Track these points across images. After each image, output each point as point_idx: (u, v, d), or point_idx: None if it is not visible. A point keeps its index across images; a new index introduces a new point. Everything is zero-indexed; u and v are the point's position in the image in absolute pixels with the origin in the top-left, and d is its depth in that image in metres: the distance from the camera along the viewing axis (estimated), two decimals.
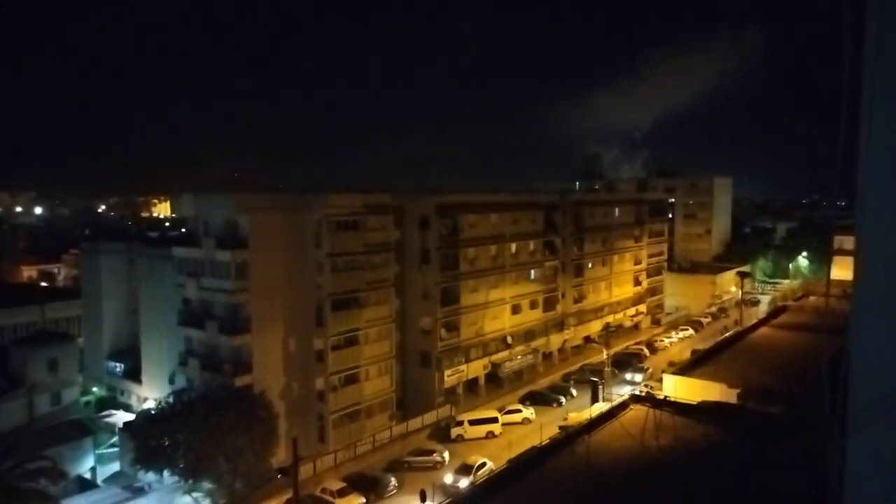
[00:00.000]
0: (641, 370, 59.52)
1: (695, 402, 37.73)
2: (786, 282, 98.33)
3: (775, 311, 69.70)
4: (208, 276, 43.80)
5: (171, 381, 47.91)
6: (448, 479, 39.68)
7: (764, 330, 60.04)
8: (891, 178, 2.21)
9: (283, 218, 44.37)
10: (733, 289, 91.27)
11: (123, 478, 41.37)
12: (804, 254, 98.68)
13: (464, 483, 38.15)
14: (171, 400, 39.39)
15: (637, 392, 45.24)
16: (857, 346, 2.30)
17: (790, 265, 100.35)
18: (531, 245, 63.13)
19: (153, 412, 39.49)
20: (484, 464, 40.37)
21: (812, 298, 76.18)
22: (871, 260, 2.28)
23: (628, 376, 57.95)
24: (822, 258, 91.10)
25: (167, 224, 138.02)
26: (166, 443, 36.63)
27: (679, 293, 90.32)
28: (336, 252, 45.02)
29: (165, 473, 37.64)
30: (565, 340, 68.07)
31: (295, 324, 44.48)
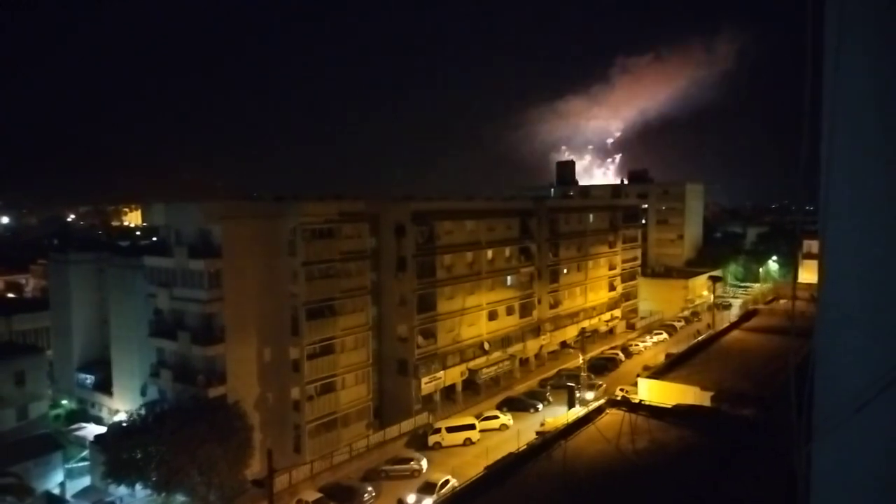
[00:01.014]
0: (593, 387, 56.39)
1: (669, 406, 38.08)
2: (756, 285, 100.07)
3: (746, 315, 70.77)
4: (180, 286, 43.17)
5: (143, 393, 47.07)
6: (411, 498, 38.68)
7: (736, 333, 60.90)
8: (851, 183, 2.25)
9: (257, 226, 43.96)
10: (705, 293, 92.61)
11: (94, 493, 40.48)
12: (774, 258, 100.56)
13: (427, 502, 37.15)
14: (143, 412, 38.70)
15: (605, 400, 45.51)
16: (822, 350, 2.32)
17: (760, 269, 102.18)
18: (507, 251, 63.37)
19: (125, 425, 38.74)
20: (447, 481, 39.29)
21: (782, 302, 77.54)
22: (834, 264, 2.31)
23: (579, 394, 54.23)
24: (791, 262, 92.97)
25: (138, 233, 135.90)
26: (138, 456, 35.95)
27: (653, 298, 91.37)
28: (311, 260, 44.71)
29: (138, 487, 36.91)
30: (542, 346, 68.36)
31: (270, 333, 44.02)
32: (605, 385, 58.03)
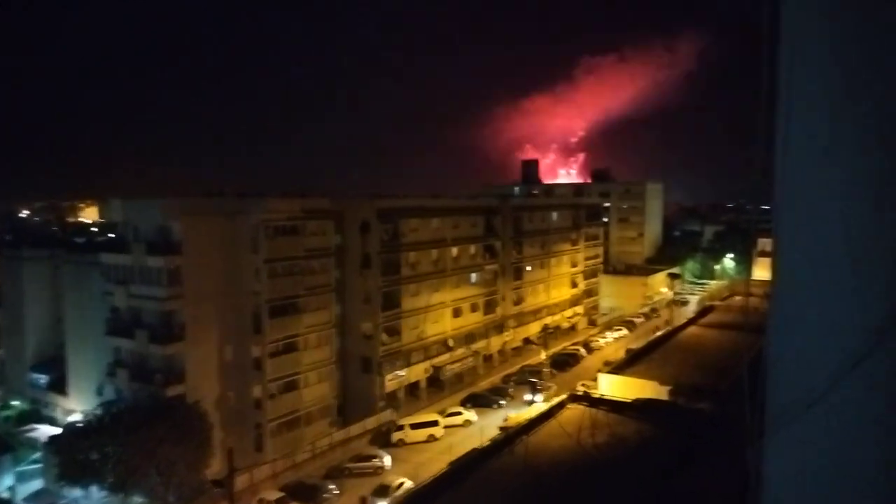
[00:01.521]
0: (540, 390, 54.47)
1: (629, 400, 38.78)
2: (713, 282, 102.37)
3: (703, 311, 72.40)
4: (138, 284, 42.19)
5: (100, 393, 45.90)
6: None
7: (693, 329, 62.30)
8: (803, 183, 2.31)
9: (219, 223, 43.20)
10: (664, 290, 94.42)
11: (46, 495, 39.30)
12: (729, 255, 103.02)
13: None
14: (99, 412, 37.76)
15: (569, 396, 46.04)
16: (774, 347, 2.38)
17: (717, 267, 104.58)
18: (472, 249, 63.57)
19: (80, 425, 37.78)
20: (402, 483, 38.54)
21: (737, 298, 79.59)
22: (787, 262, 2.37)
23: (528, 397, 53.76)
24: (747, 259, 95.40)
25: (95, 230, 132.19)
26: (94, 457, 35.06)
27: (614, 294, 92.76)
28: (274, 257, 44.15)
29: (93, 489, 35.99)
30: (505, 342, 68.82)
31: (231, 331, 43.34)
32: (555, 387, 55.83)
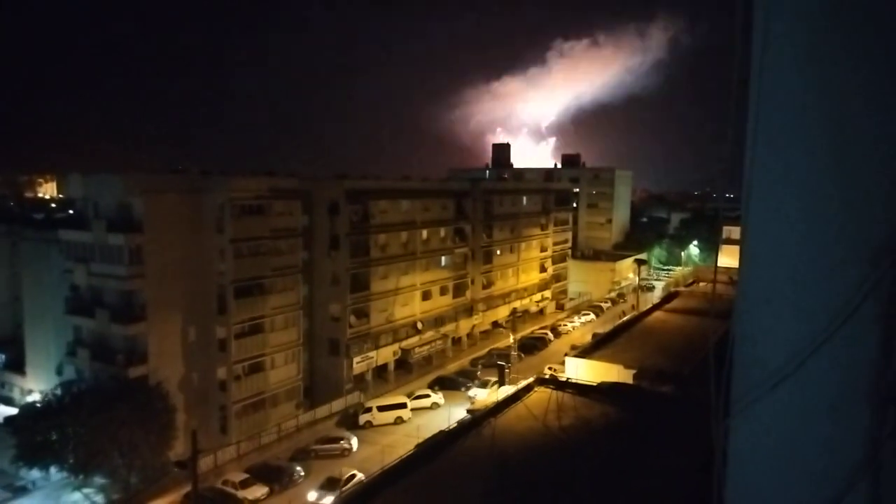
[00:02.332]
0: (485, 384, 52.05)
1: (595, 384, 39.39)
2: (678, 268, 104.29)
3: (668, 297, 73.71)
4: (99, 262, 41.23)
5: (59, 373, 44.95)
6: (312, 495, 36.44)
7: (658, 314, 63.41)
8: (772, 169, 2.33)
9: (183, 200, 42.36)
10: (631, 275, 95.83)
11: (2, 477, 38.47)
12: (695, 242, 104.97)
13: (328, 500, 34.47)
14: (59, 392, 37.03)
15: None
16: (740, 330, 2.41)
17: (682, 253, 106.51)
18: (442, 232, 63.57)
19: (39, 405, 37.04)
20: (353, 476, 37.03)
21: (702, 284, 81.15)
22: (754, 247, 2.40)
23: (472, 392, 51.11)
24: (712, 247, 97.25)
25: (54, 206, 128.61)
26: (54, 437, 34.43)
27: (582, 279, 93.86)
28: (240, 237, 43.54)
29: (52, 470, 35.36)
30: (474, 326, 69.23)
31: (195, 311, 42.71)
32: (496, 386, 51.11)
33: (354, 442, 43.54)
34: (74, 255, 42.76)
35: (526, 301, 78.39)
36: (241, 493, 36.61)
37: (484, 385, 52.48)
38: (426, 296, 61.65)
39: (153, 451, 35.72)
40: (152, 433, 35.63)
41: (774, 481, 2.31)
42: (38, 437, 34.53)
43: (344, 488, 35.37)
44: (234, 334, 43.26)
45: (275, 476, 38.67)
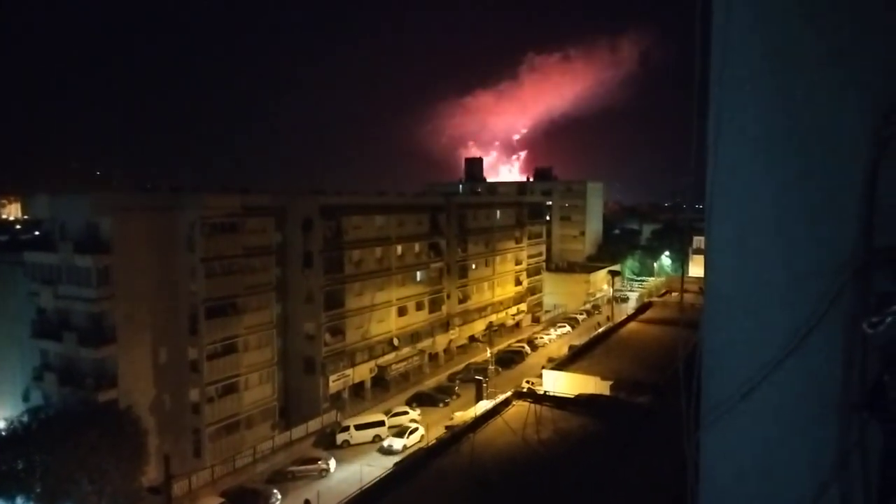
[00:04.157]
0: (402, 434, 46.37)
1: (572, 396, 39.47)
2: (651, 279, 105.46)
3: (642, 307, 74.33)
4: (66, 284, 40.33)
5: (26, 399, 43.66)
6: None
7: (633, 325, 63.89)
8: (732, 179, 2.36)
9: (152, 219, 41.71)
10: (605, 287, 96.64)
11: None
12: (666, 253, 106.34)
13: None
14: (25, 419, 35.88)
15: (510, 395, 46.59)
16: (708, 340, 2.41)
17: (655, 264, 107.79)
18: (417, 247, 63.50)
19: (4, 433, 35.85)
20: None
21: (674, 294, 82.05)
22: (717, 257, 2.41)
23: (394, 444, 44.91)
24: (682, 257, 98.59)
25: (19, 227, 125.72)
26: (20, 466, 33.35)
27: (557, 292, 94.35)
28: (211, 256, 42.96)
29: (19, 501, 34.20)
30: (451, 340, 69.05)
31: (166, 332, 41.92)
32: (424, 432, 46.83)
33: (332, 462, 42.96)
34: (41, 278, 41.78)
35: (502, 315, 78.49)
36: None
37: (401, 434, 46.31)
38: (402, 311, 61.39)
39: (124, 476, 34.78)
40: (123, 458, 34.73)
41: (746, 492, 2.31)
42: (2, 466, 33.46)
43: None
44: (206, 355, 42.53)
45: (251, 500, 37.94)
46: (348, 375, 54.45)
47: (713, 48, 2.31)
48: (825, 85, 2.13)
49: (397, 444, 45.00)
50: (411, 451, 41.06)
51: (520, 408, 37.44)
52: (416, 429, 47.06)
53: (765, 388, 2.20)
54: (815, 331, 2.11)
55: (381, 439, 46.84)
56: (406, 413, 51.19)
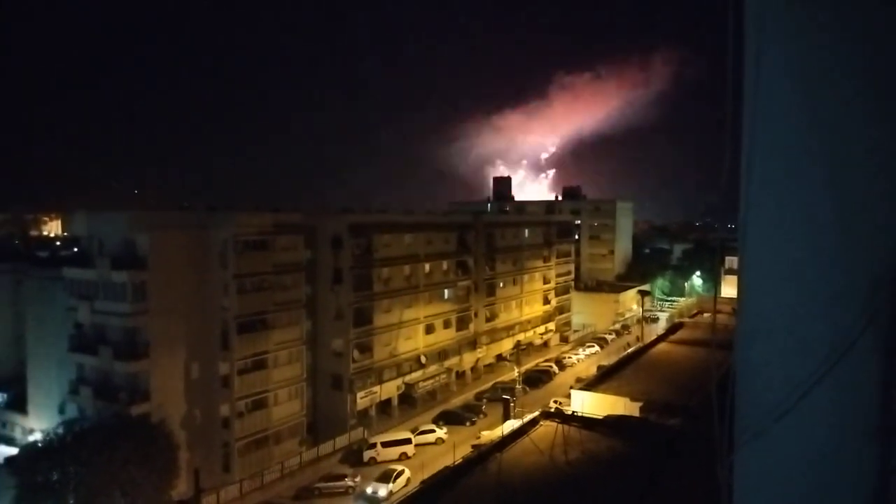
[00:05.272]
0: (387, 480, 41.68)
1: (601, 417, 38.88)
2: (682, 299, 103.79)
3: (673, 328, 73.14)
4: (103, 299, 41.25)
5: (62, 412, 44.58)
6: None
7: (663, 345, 62.86)
8: (768, 197, 2.33)
9: (186, 237, 42.55)
10: (634, 307, 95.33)
11: None
12: (698, 273, 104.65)
13: None
14: (60, 431, 36.59)
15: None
16: (742, 362, 2.38)
17: (685, 284, 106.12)
18: (444, 265, 63.57)
19: (40, 445, 36.57)
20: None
21: (706, 315, 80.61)
22: (752, 277, 2.38)
23: (379, 489, 40.77)
24: (715, 277, 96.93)
25: (59, 243, 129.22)
26: (55, 478, 33.95)
27: (585, 311, 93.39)
28: (243, 273, 43.59)
29: None
30: (478, 359, 68.70)
31: (198, 347, 42.53)
32: (410, 475, 42.95)
33: (358, 479, 42.86)
34: (78, 293, 42.79)
35: (530, 333, 77.90)
36: None
37: (386, 478, 41.95)
38: (429, 329, 61.36)
39: (155, 489, 35.19)
40: (155, 472, 35.16)
41: None
42: (38, 477, 34.08)
43: None
44: (237, 370, 43.00)
45: None
46: (375, 392, 54.49)
47: (746, 64, 2.31)
48: (859, 98, 2.11)
49: (382, 490, 40.81)
50: (398, 496, 37.63)
51: (547, 428, 36.99)
52: (402, 471, 42.93)
53: (800, 409, 2.16)
54: (850, 352, 2.08)
55: (408, 456, 46.56)
56: (433, 431, 50.95)
